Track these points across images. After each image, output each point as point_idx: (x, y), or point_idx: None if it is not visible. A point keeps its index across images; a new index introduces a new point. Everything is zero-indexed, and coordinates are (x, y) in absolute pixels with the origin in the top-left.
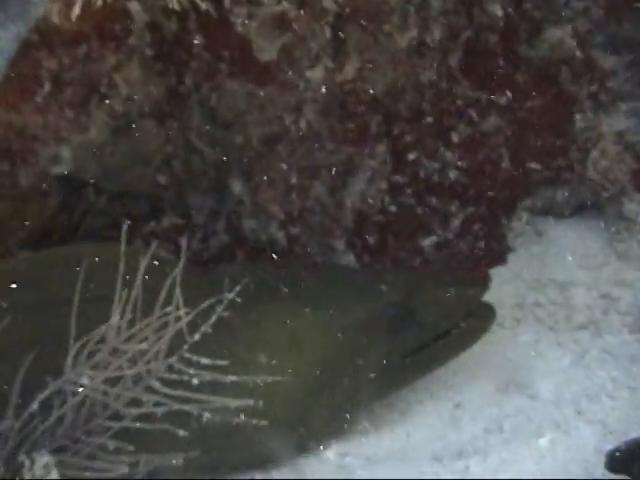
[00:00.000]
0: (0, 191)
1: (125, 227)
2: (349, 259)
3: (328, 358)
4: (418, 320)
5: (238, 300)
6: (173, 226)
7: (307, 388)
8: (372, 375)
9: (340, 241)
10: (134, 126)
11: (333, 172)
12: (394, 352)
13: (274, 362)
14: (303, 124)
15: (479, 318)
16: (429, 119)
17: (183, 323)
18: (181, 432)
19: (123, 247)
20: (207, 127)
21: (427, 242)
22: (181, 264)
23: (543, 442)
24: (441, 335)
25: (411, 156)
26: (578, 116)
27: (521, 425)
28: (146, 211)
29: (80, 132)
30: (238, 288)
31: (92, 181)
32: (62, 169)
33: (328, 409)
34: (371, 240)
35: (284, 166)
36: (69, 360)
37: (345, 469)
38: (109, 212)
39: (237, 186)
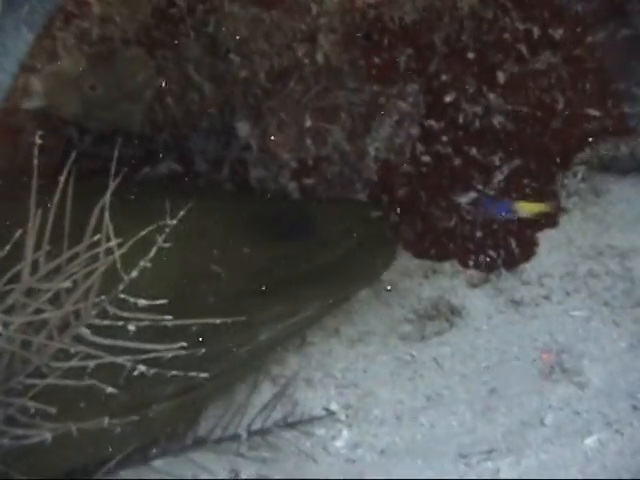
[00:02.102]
0: None
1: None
2: None
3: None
4: (314, 237)
5: None
6: (171, 173)
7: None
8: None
9: (362, 195)
10: (117, 55)
11: (355, 114)
12: (283, 258)
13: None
14: (319, 56)
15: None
16: (470, 54)
17: (116, 256)
18: (110, 389)
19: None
20: (206, 58)
21: (465, 199)
22: (111, 186)
23: (590, 442)
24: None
25: (448, 98)
26: None
27: (565, 420)
28: (139, 155)
29: (48, 59)
30: (182, 213)
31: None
32: (34, 103)
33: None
34: (399, 195)
35: (297, 106)
36: None
37: (354, 464)
38: (96, 155)
39: (243, 129)
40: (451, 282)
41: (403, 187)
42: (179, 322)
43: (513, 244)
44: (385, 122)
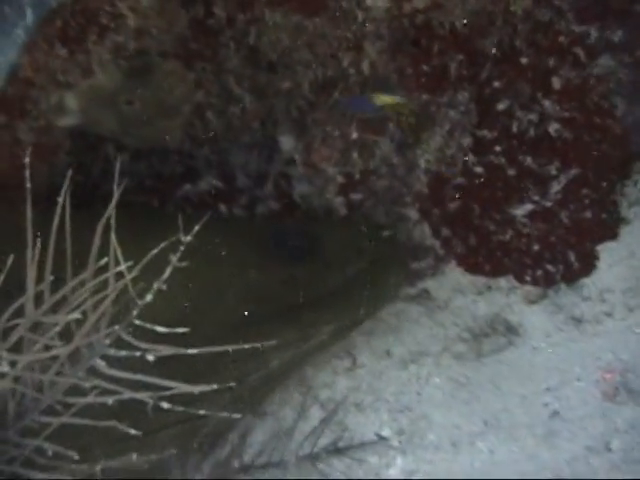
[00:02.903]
0: None
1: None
2: (423, 231)
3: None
4: (322, 259)
5: None
6: (211, 190)
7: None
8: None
9: (412, 209)
10: (154, 69)
11: (403, 125)
12: (291, 281)
13: None
14: (365, 66)
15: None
16: (524, 59)
17: (127, 280)
18: (133, 431)
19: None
20: (247, 70)
21: (520, 211)
22: (114, 201)
23: None
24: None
25: (501, 105)
26: None
27: (633, 444)
28: (179, 172)
29: (82, 75)
30: (197, 228)
31: (110, 135)
32: (70, 121)
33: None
34: (450, 208)
35: (342, 118)
36: None
37: None
38: (133, 172)
39: (287, 142)
40: (507, 299)
41: (455, 200)
42: (202, 351)
43: (572, 257)
44: (435, 132)
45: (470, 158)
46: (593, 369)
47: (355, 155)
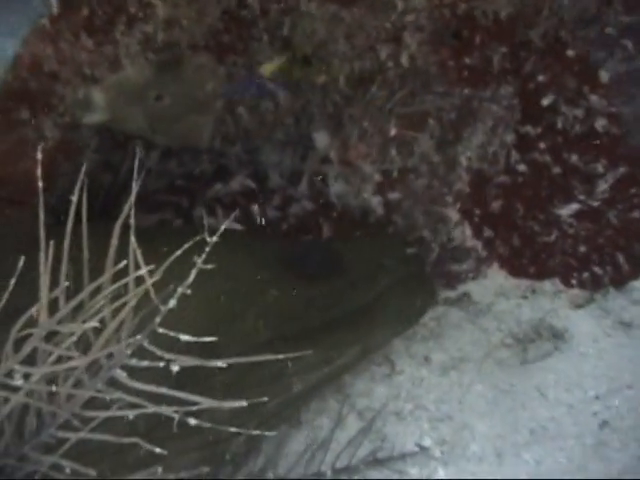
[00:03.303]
0: (22, 146)
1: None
2: (464, 232)
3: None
4: (345, 278)
5: None
6: (244, 190)
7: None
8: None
9: (452, 209)
10: (184, 62)
11: (444, 120)
12: (312, 302)
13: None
14: (404, 58)
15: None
16: (570, 52)
17: (149, 284)
18: (158, 450)
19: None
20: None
21: (566, 211)
22: (132, 197)
23: None
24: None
25: (546, 100)
26: None
27: None
28: (210, 171)
29: (110, 68)
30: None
31: (139, 133)
32: (97, 118)
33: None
34: (493, 208)
35: (380, 113)
36: None
37: None
38: (163, 172)
39: (322, 139)
40: (552, 303)
41: (497, 199)
42: (230, 361)
43: (620, 259)
44: (477, 129)
45: (513, 155)
46: None
47: (393, 152)
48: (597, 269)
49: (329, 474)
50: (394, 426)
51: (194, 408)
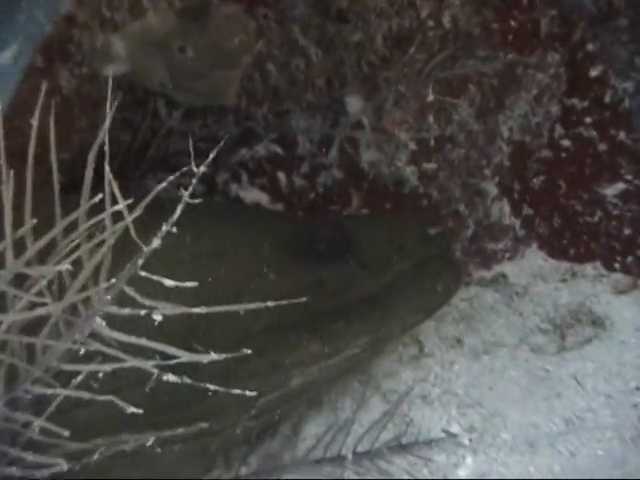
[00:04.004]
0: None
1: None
2: (502, 208)
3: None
4: (358, 259)
5: None
6: (270, 156)
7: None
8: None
9: (490, 183)
10: (211, 11)
11: (485, 87)
12: (318, 285)
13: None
14: (446, 18)
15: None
16: (622, 21)
17: (128, 222)
18: (132, 409)
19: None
20: (313, 18)
21: (611, 190)
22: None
23: None
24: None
25: (594, 72)
26: None
27: None
28: (235, 134)
29: (131, 14)
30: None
31: (160, 89)
32: (117, 69)
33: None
34: (533, 184)
35: (418, 77)
36: None
37: None
38: (185, 133)
39: (355, 104)
40: (593, 287)
41: (539, 175)
42: (209, 310)
43: None
44: (521, 97)
45: (557, 129)
46: None
47: (430, 119)
48: None
49: (350, 458)
50: (420, 410)
51: (173, 362)
